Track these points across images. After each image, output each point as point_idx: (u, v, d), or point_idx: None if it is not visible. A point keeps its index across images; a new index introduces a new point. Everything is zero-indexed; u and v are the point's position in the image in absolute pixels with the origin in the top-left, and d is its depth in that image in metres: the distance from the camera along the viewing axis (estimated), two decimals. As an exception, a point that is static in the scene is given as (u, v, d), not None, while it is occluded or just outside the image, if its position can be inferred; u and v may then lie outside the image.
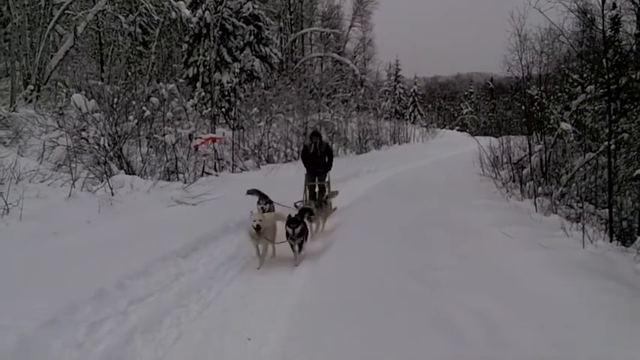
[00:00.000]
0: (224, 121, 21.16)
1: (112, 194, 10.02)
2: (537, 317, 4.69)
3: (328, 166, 12.11)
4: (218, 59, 22.04)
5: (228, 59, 22.80)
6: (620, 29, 12.99)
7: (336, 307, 5.15)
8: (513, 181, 13.24)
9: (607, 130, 8.87)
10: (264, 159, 18.92)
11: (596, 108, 11.04)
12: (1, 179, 8.95)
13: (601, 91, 10.55)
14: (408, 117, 50.67)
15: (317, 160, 11.95)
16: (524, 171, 12.53)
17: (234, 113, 19.82)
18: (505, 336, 4.36)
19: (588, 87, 11.16)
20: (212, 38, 21.49)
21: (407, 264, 6.50)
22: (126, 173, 11.99)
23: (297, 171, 17.13)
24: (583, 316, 4.63)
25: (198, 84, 20.83)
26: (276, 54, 27.89)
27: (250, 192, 10.19)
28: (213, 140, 15.97)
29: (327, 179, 12.14)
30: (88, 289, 5.45)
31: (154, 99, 14.63)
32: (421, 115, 56.16)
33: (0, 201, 7.99)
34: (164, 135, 14.13)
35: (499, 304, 5.00)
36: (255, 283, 6.75)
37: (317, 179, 12.05)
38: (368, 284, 5.75)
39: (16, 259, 6.48)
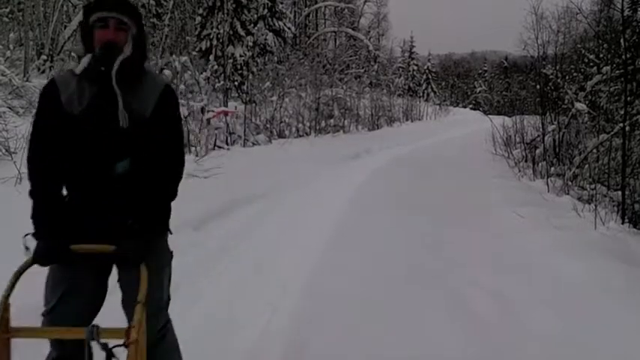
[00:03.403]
0: (236, 94, 21.07)
1: (125, 165, 10.04)
2: (549, 297, 4.72)
3: (162, 198, 2.58)
4: (231, 32, 21.88)
5: (242, 33, 22.63)
6: (639, 9, 12.80)
7: (344, 283, 5.16)
8: (526, 161, 13.21)
9: (622, 112, 8.80)
10: (275, 134, 18.87)
11: (611, 89, 10.94)
12: (15, 148, 9.00)
13: (617, 72, 10.45)
14: (421, 94, 50.47)
15: (109, 172, 2.43)
16: (537, 151, 12.50)
17: (247, 87, 19.74)
18: (518, 316, 4.38)
19: (604, 67, 11.07)
20: (226, 11, 21.33)
21: (422, 239, 6.54)
22: (138, 145, 12.00)
23: (309, 145, 17.08)
24: (594, 298, 4.65)
25: (211, 57, 20.70)
26: (289, 28, 27.68)
27: None
28: (226, 114, 15.95)
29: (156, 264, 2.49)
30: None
31: (166, 71, 14.62)
32: (434, 92, 55.80)
33: (13, 170, 8.04)
34: (176, 108, 14.12)
35: (512, 282, 5.03)
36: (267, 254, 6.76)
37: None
38: (382, 258, 5.78)
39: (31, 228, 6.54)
